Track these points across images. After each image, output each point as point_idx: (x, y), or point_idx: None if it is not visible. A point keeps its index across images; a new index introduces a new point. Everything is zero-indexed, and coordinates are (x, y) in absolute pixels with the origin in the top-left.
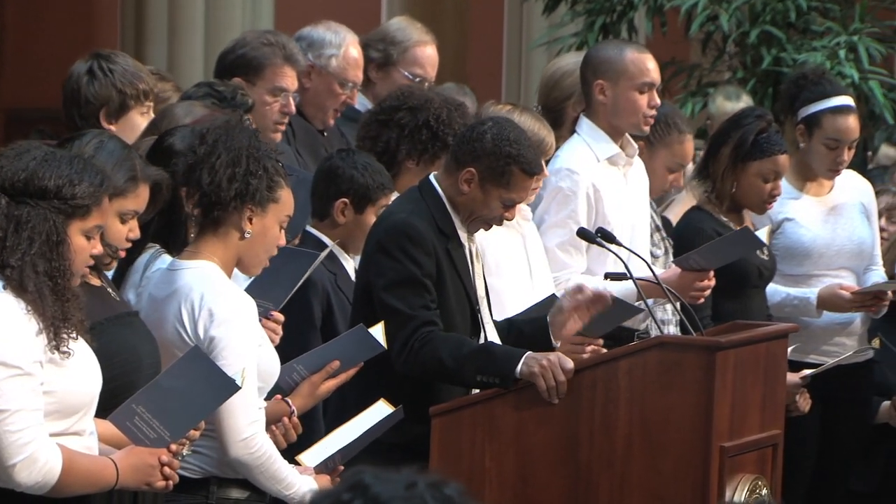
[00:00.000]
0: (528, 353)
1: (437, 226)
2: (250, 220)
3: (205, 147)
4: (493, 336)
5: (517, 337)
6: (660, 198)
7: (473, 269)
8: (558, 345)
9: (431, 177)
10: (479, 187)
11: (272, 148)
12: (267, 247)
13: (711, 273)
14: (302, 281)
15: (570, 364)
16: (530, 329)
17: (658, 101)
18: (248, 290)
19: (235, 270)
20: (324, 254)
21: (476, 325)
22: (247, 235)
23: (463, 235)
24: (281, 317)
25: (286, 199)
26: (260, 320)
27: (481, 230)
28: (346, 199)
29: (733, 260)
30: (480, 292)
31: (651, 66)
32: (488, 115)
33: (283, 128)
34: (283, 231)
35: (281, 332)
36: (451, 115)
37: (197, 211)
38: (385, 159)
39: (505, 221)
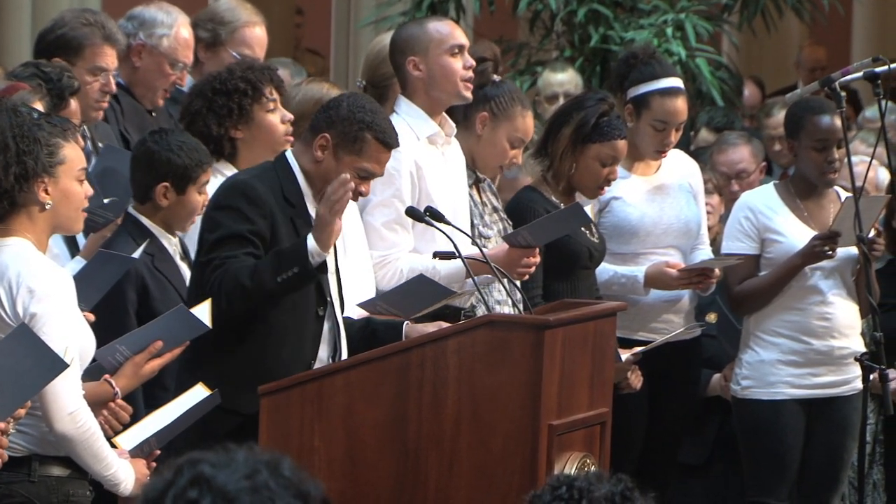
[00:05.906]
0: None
1: (283, 194)
2: (46, 190)
3: None
4: (336, 309)
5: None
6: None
7: None
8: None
9: (287, 151)
10: (333, 154)
11: (37, 114)
12: (75, 205)
13: (537, 250)
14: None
15: (344, 176)
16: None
17: (473, 61)
18: None
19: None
20: (137, 251)
21: (322, 297)
22: (47, 206)
23: (312, 209)
24: (91, 316)
25: (73, 156)
26: None
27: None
28: (166, 184)
29: (561, 235)
30: (329, 266)
31: (456, 31)
32: (304, 91)
33: (104, 105)
34: (84, 183)
35: None
36: (232, 70)
37: None
38: (213, 147)
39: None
